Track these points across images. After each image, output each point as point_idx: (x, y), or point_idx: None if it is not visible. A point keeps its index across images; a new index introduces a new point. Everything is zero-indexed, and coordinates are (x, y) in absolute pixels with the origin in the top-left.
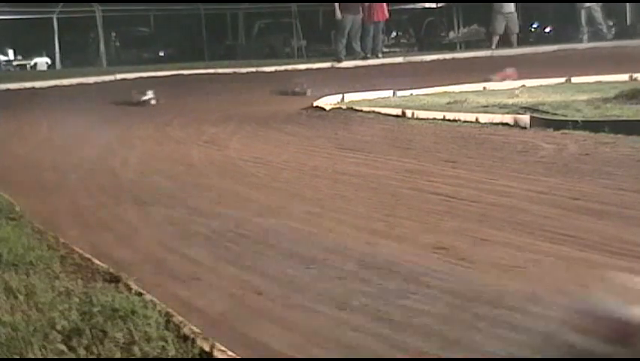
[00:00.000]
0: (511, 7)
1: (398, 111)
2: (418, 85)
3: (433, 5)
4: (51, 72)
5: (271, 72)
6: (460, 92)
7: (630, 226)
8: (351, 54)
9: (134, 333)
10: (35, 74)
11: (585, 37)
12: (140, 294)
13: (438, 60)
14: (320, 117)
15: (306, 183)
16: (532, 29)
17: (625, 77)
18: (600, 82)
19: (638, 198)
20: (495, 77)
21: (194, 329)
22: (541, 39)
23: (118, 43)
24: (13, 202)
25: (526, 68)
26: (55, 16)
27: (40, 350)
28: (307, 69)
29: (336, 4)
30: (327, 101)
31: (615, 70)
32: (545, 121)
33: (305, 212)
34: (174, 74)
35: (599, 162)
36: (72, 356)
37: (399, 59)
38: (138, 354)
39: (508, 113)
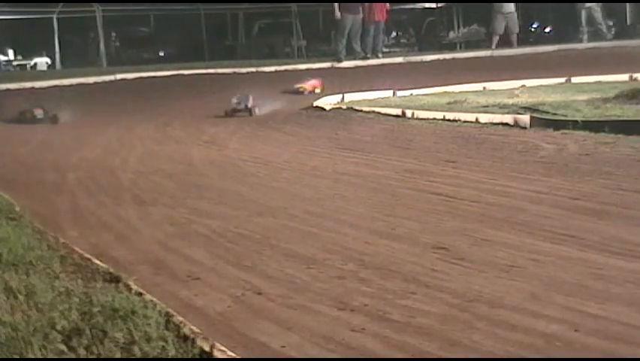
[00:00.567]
0: (511, 7)
1: (398, 111)
2: (418, 85)
3: (433, 5)
4: (51, 72)
5: (271, 72)
6: (460, 92)
7: (630, 226)
8: (351, 54)
9: (134, 333)
10: (35, 74)
11: (585, 37)
12: (140, 294)
13: (438, 60)
14: (320, 117)
15: (306, 183)
16: (532, 29)
17: (625, 77)
18: (600, 82)
19: (638, 198)
20: (302, 85)
21: (194, 329)
22: (541, 39)
23: (118, 43)
24: (13, 202)
25: (527, 68)
26: (55, 16)
27: (40, 350)
28: (307, 69)
29: (336, 4)
30: (327, 101)
31: (615, 70)
32: (545, 121)
33: (305, 212)
34: (174, 74)
35: (599, 162)
36: (72, 356)
37: (399, 59)
38: (138, 354)
39: (508, 113)
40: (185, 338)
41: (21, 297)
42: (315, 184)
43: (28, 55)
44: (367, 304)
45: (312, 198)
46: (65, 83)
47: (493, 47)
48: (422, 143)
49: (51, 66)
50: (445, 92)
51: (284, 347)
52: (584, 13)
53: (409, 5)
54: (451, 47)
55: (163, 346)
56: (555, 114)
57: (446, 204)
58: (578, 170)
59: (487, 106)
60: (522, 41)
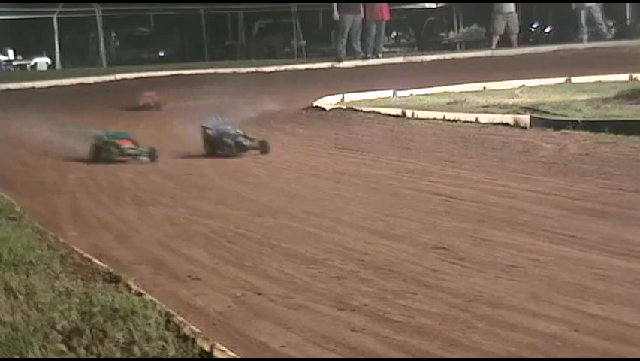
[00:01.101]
0: (511, 7)
1: (398, 111)
2: (418, 85)
3: (433, 5)
4: (51, 72)
5: (271, 72)
6: (460, 92)
7: (630, 226)
8: (351, 54)
9: (134, 333)
10: (35, 74)
11: (585, 37)
12: (140, 294)
13: (438, 60)
14: (320, 117)
15: (306, 183)
16: (532, 29)
17: (625, 77)
18: (600, 82)
19: (638, 198)
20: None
21: (194, 329)
22: (541, 39)
23: (118, 44)
24: (13, 202)
25: (527, 68)
26: (55, 16)
27: (40, 350)
28: (307, 69)
29: (334, 5)
30: (327, 101)
31: (615, 70)
32: (545, 121)
33: (305, 212)
34: (174, 74)
35: (599, 162)
36: (72, 356)
37: (399, 59)
38: (138, 354)
39: (508, 113)
40: (185, 338)
41: (21, 297)
42: (315, 184)
43: (28, 55)
44: (367, 304)
45: (312, 198)
46: (65, 83)
47: (493, 47)
48: (422, 143)
49: (51, 66)
50: (445, 92)
51: (284, 347)
52: (583, 13)
53: (409, 5)
54: (451, 47)
55: (163, 346)
56: (555, 114)
57: (446, 204)
58: (578, 170)
59: (487, 106)
60: (522, 41)
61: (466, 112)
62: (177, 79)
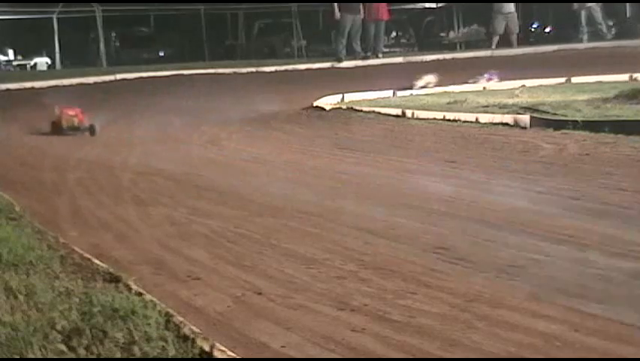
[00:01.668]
0: (511, 7)
1: (398, 111)
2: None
3: (433, 5)
4: (51, 72)
5: (271, 72)
6: (460, 92)
7: (630, 226)
8: (351, 54)
9: (134, 333)
10: (35, 74)
11: (585, 37)
12: (140, 294)
13: (438, 60)
14: (320, 117)
15: (306, 183)
16: (532, 29)
17: (625, 77)
18: (600, 82)
19: (638, 198)
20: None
21: (194, 329)
22: (541, 39)
23: (118, 44)
24: (13, 202)
25: (527, 68)
26: (55, 16)
27: (40, 350)
28: (307, 69)
29: (335, 4)
30: (327, 101)
31: (615, 70)
32: (545, 121)
33: (305, 212)
34: (174, 74)
35: (599, 162)
36: (72, 356)
37: (399, 59)
38: (138, 354)
39: (508, 113)
40: (185, 338)
41: (21, 297)
42: (315, 184)
43: (28, 55)
44: (367, 304)
45: (312, 198)
46: (65, 83)
47: (493, 47)
48: (422, 143)
49: (51, 66)
50: (445, 92)
51: (284, 347)
52: (583, 14)
53: (408, 5)
54: (451, 47)
55: (163, 346)
56: (555, 114)
57: (446, 204)
58: (578, 170)
59: (487, 106)
60: (522, 41)
61: (466, 112)
62: (177, 79)
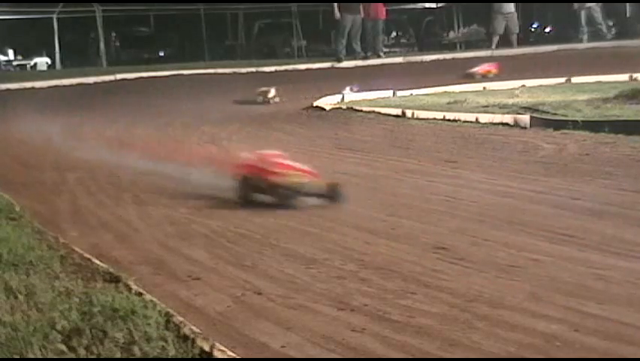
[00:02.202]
0: (511, 7)
1: (398, 111)
2: (418, 85)
3: (433, 5)
4: (51, 72)
5: (271, 72)
6: (460, 92)
7: (630, 226)
8: (351, 54)
9: (134, 333)
10: (35, 74)
11: (585, 37)
12: (140, 294)
13: (438, 60)
14: (320, 117)
15: None
16: (532, 29)
17: (625, 77)
18: (600, 82)
19: (638, 198)
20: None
21: (194, 329)
22: (541, 39)
23: (118, 43)
24: (13, 202)
25: (527, 68)
26: (55, 16)
27: (40, 350)
28: (307, 69)
29: (335, 4)
30: (327, 101)
31: (615, 70)
32: (545, 121)
33: (305, 212)
34: (174, 74)
35: (599, 162)
36: (72, 356)
37: (399, 59)
38: (138, 354)
39: (508, 113)
40: (185, 338)
41: (21, 297)
42: None
43: (28, 55)
44: (367, 304)
45: None
46: (65, 83)
47: (493, 47)
48: (422, 143)
49: (51, 66)
50: (445, 92)
51: (284, 347)
52: (583, 14)
53: (408, 5)
54: (451, 47)
55: (163, 346)
56: (555, 114)
57: (446, 204)
58: (578, 170)
59: (487, 106)
60: (522, 41)
61: (466, 112)
62: (177, 79)
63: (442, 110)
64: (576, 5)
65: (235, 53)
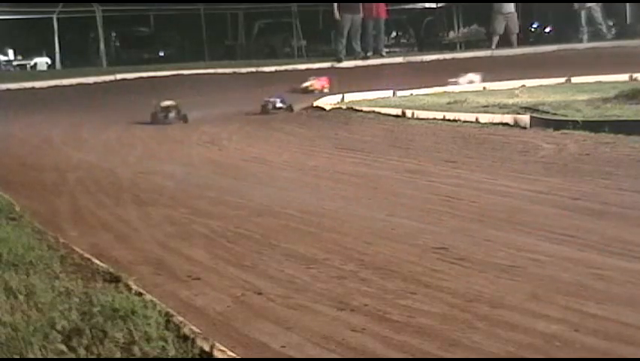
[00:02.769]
0: (511, 7)
1: (398, 111)
2: (418, 85)
3: (433, 5)
4: (51, 72)
5: (271, 72)
6: (460, 92)
7: (630, 226)
8: (351, 54)
9: (134, 333)
10: (35, 74)
11: (585, 37)
12: (140, 294)
13: (438, 60)
14: (320, 117)
15: (306, 182)
16: (532, 29)
17: (625, 77)
18: (600, 82)
19: (638, 198)
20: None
21: (194, 329)
22: (541, 39)
23: (118, 43)
24: (13, 202)
25: (527, 68)
26: (55, 16)
27: (40, 350)
28: (307, 69)
29: (335, 4)
30: (327, 101)
31: (615, 70)
32: (545, 121)
33: (305, 212)
34: (174, 74)
35: (599, 162)
36: (72, 356)
37: (399, 59)
38: (138, 354)
39: (508, 113)
40: (185, 338)
41: (21, 297)
42: (315, 184)
43: (28, 55)
44: (367, 304)
45: (312, 198)
46: (65, 83)
47: (493, 47)
48: (422, 143)
49: (51, 66)
50: (445, 92)
51: (284, 347)
52: (583, 14)
53: (408, 5)
54: (451, 47)
55: (163, 346)
56: (555, 114)
57: (446, 204)
58: (578, 170)
59: (487, 106)
60: (522, 41)
61: (466, 112)
62: (177, 79)
63: (442, 110)
64: (576, 5)
65: (235, 53)
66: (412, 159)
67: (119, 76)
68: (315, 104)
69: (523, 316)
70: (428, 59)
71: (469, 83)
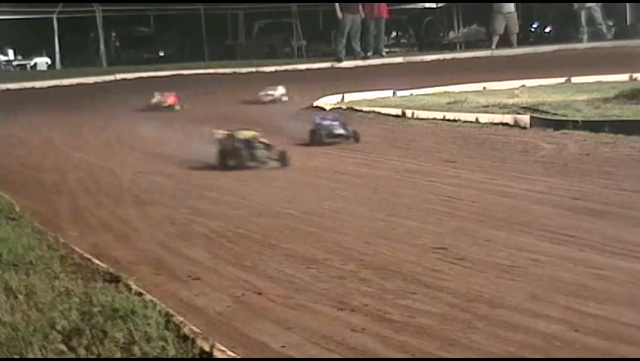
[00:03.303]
0: (511, 7)
1: (398, 111)
2: (418, 85)
3: (433, 5)
4: (51, 72)
5: (271, 72)
6: (460, 92)
7: (630, 226)
8: (351, 54)
9: (134, 333)
10: (35, 74)
11: (585, 37)
12: (140, 294)
13: (438, 60)
14: None
15: (306, 183)
16: (532, 29)
17: (625, 77)
18: (600, 82)
19: (638, 198)
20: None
21: (194, 329)
22: (541, 39)
23: (118, 44)
24: (13, 202)
25: (527, 68)
26: (55, 16)
27: (40, 350)
28: (307, 69)
29: (337, 4)
30: (327, 101)
31: (615, 70)
32: (545, 121)
33: (305, 212)
34: (174, 74)
35: (599, 162)
36: (72, 356)
37: (399, 59)
38: (138, 354)
39: (508, 113)
40: (185, 338)
41: (21, 297)
42: (315, 184)
43: (28, 55)
44: (367, 304)
45: (312, 198)
46: (65, 83)
47: (493, 47)
48: (422, 143)
49: (51, 66)
50: (445, 92)
51: (284, 347)
52: (583, 14)
53: (408, 5)
54: (451, 47)
55: (163, 346)
56: (555, 114)
57: (446, 204)
58: (578, 170)
59: (487, 106)
60: (522, 41)
61: (466, 112)
62: (177, 79)
63: (442, 110)
64: (576, 5)
65: (235, 53)
66: (412, 159)
67: (119, 76)
68: (315, 104)
69: (523, 316)
70: (428, 59)
71: (281, 95)
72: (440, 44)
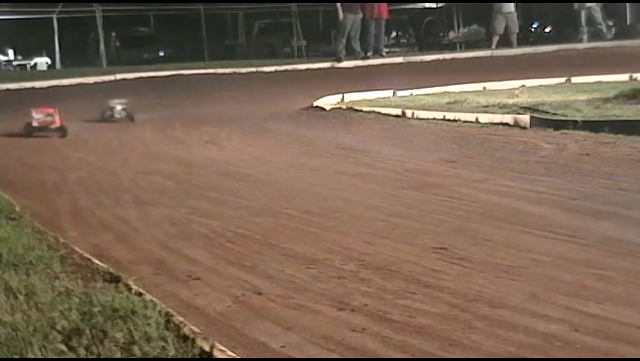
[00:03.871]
0: (511, 7)
1: (398, 111)
2: (418, 85)
3: (433, 5)
4: (51, 72)
5: (271, 72)
6: (460, 92)
7: (630, 226)
8: (351, 54)
9: (134, 333)
10: (35, 74)
11: (585, 37)
12: (140, 294)
13: (438, 60)
14: (320, 117)
15: (306, 183)
16: (532, 29)
17: (625, 77)
18: (600, 82)
19: (638, 198)
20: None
21: (194, 329)
22: (541, 39)
23: (118, 43)
24: (13, 202)
25: (527, 68)
26: (55, 16)
27: (40, 350)
28: (307, 69)
29: (338, 4)
30: (327, 101)
31: (615, 70)
32: (545, 121)
33: (305, 212)
34: (174, 74)
35: (599, 162)
36: (72, 356)
37: (399, 59)
38: (138, 354)
39: (508, 113)
40: (185, 338)
41: (21, 297)
42: (315, 184)
43: (28, 55)
44: (367, 304)
45: (312, 198)
46: (65, 83)
47: (493, 47)
48: (422, 143)
49: (51, 66)
50: (445, 92)
51: (284, 347)
52: (583, 14)
53: (409, 5)
54: (451, 47)
55: (163, 346)
56: (555, 114)
57: (446, 204)
58: (578, 170)
59: (487, 106)
60: (522, 41)
61: (466, 112)
62: (177, 79)
63: (442, 110)
64: (576, 5)
65: (235, 53)
66: (412, 159)
67: (119, 76)
68: (315, 104)
69: (523, 316)
70: (428, 59)
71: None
72: (440, 44)
